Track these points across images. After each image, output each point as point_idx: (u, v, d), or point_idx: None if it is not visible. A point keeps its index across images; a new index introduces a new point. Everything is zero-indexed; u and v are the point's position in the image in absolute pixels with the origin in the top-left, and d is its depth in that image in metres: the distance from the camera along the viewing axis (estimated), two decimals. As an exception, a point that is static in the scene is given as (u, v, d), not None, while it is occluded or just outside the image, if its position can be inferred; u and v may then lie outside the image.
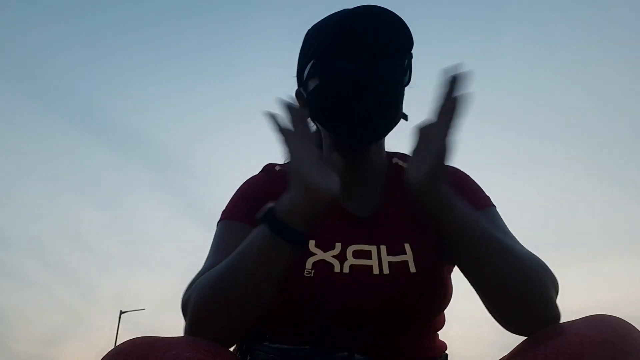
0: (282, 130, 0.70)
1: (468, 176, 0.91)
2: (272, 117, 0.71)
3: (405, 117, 0.84)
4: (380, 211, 0.85)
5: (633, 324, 0.62)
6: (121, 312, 15.60)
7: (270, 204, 0.68)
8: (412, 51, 0.83)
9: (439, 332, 0.89)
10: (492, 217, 0.84)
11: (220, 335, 0.67)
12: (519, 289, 0.67)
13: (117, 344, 0.60)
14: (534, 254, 0.75)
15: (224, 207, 0.88)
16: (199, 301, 0.68)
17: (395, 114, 0.81)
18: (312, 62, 0.82)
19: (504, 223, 0.84)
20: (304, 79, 0.86)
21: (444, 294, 0.82)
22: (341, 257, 0.79)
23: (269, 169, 0.93)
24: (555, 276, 0.74)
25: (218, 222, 0.86)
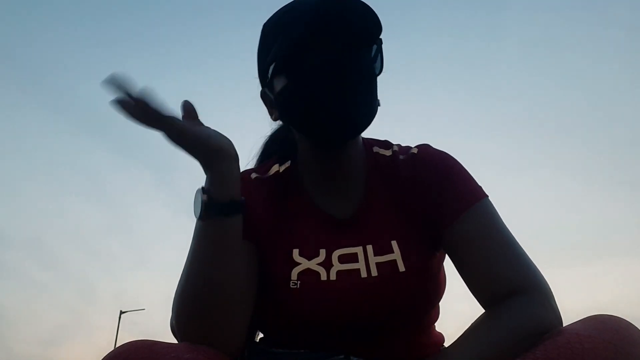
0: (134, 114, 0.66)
1: (456, 166, 0.82)
2: (120, 103, 0.65)
3: (378, 104, 0.78)
4: (363, 208, 0.80)
5: (634, 325, 0.62)
6: (121, 312, 15.59)
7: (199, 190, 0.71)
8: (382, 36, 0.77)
9: (435, 325, 0.87)
10: (482, 213, 0.76)
11: (215, 339, 0.67)
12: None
13: (116, 345, 0.60)
14: (526, 276, 0.70)
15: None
16: (179, 311, 0.68)
17: (372, 107, 0.76)
18: (275, 62, 0.76)
19: (495, 217, 0.77)
20: (269, 78, 0.79)
21: (437, 289, 0.80)
22: (327, 264, 0.77)
23: (243, 177, 0.85)
24: (545, 289, 0.70)
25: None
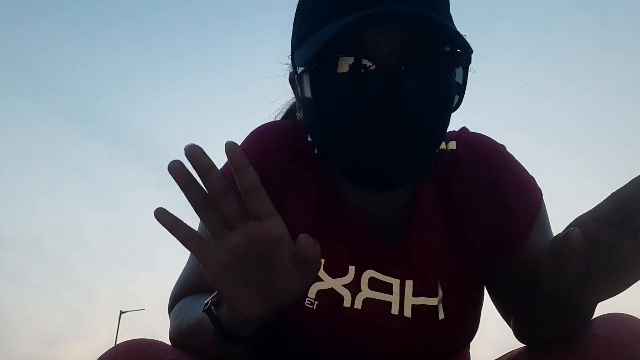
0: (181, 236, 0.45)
1: (510, 170, 0.66)
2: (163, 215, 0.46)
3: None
4: (409, 221, 0.65)
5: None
6: (121, 312, 15.55)
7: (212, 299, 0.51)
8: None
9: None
10: (541, 232, 0.63)
11: None
12: (568, 330, 0.58)
13: (115, 345, 0.58)
14: None
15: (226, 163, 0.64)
16: (173, 341, 0.60)
17: (434, 147, 0.60)
18: (305, 65, 0.56)
19: (549, 226, 0.65)
20: (298, 72, 0.60)
21: (474, 331, 0.68)
22: (354, 287, 0.63)
23: (298, 131, 0.68)
24: None
25: None
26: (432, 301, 0.63)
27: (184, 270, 0.69)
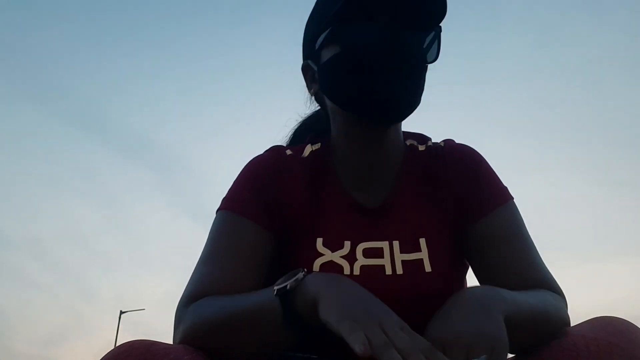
0: None
1: (483, 163, 0.82)
2: None
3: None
4: (392, 201, 0.77)
5: (638, 327, 0.61)
6: (121, 312, 15.58)
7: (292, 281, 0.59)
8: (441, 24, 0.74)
9: None
10: (512, 213, 0.77)
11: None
12: (541, 339, 0.63)
13: (115, 346, 0.59)
14: (549, 279, 0.72)
15: (226, 193, 0.80)
16: (191, 336, 0.63)
17: (420, 93, 0.73)
18: (330, 28, 0.73)
19: (520, 220, 0.77)
20: (317, 47, 0.76)
21: None
22: (351, 257, 0.73)
23: (277, 149, 0.84)
24: (563, 293, 0.72)
25: (218, 210, 0.77)
26: (419, 255, 0.74)
27: (201, 271, 0.72)
